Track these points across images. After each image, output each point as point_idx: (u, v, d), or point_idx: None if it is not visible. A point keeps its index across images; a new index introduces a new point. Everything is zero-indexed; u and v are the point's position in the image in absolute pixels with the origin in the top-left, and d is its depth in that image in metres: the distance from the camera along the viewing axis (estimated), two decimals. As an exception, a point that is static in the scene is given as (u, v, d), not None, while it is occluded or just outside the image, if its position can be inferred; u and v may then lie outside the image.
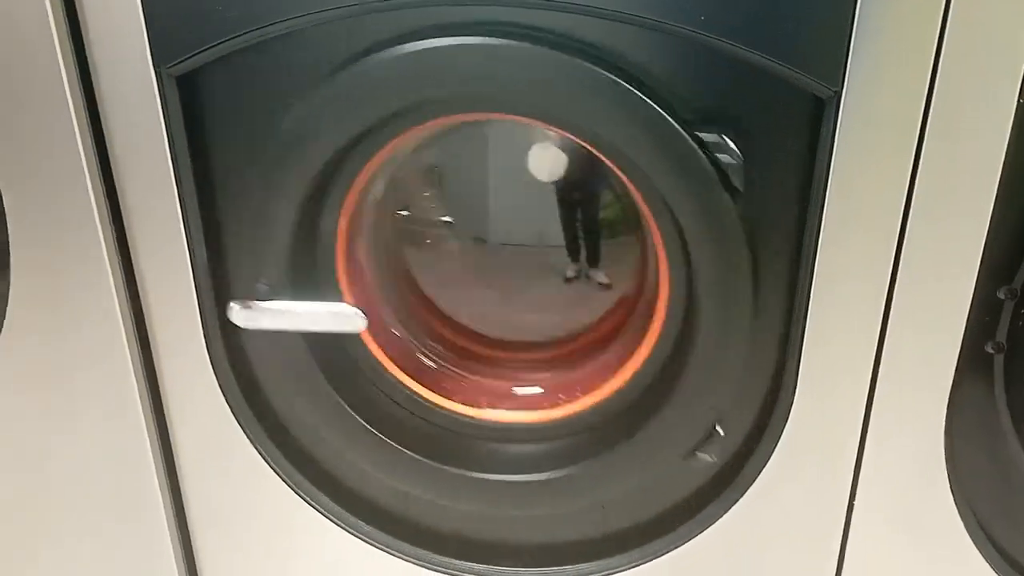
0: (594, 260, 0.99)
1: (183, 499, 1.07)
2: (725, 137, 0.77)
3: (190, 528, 1.10)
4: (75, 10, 0.81)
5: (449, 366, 1.03)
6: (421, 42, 0.77)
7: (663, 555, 1.00)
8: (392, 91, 0.80)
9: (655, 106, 0.76)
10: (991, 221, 0.78)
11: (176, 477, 1.06)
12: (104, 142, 0.87)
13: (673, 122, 0.76)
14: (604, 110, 0.78)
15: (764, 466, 0.93)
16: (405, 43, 0.78)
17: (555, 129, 0.85)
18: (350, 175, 0.88)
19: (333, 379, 0.96)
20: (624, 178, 0.85)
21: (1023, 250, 0.81)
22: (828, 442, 0.90)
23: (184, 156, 0.86)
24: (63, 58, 0.82)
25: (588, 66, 0.76)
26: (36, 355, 0.98)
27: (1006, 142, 0.75)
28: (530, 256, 1.00)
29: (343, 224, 0.92)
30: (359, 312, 0.91)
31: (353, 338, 0.97)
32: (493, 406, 1.01)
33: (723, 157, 0.77)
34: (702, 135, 0.77)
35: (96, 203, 0.88)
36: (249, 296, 0.90)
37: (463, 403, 1.00)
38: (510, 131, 0.90)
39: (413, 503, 1.04)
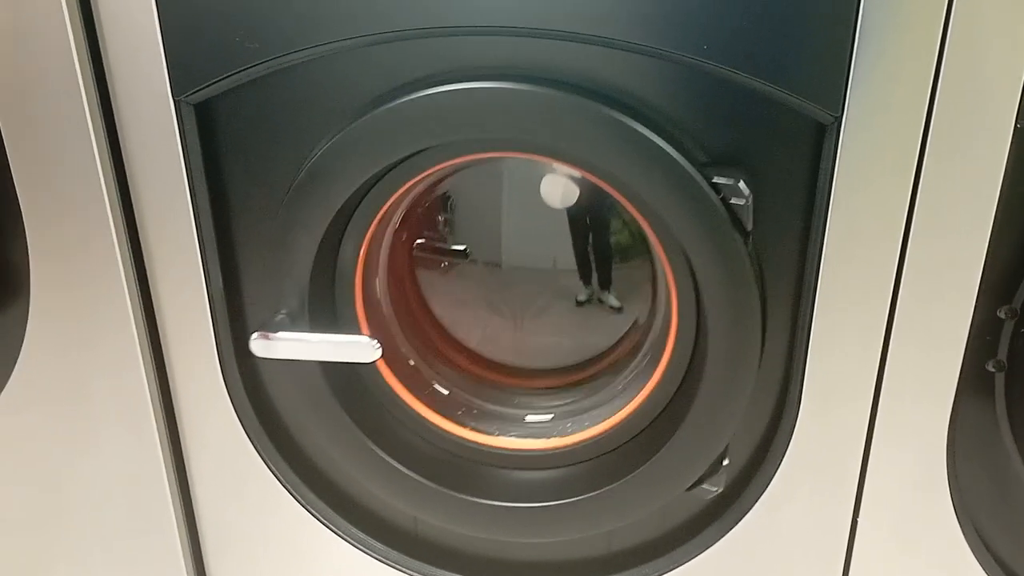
0: (607, 287, 1.00)
1: (196, 518, 1.08)
2: (736, 180, 0.79)
3: (202, 547, 1.10)
4: (96, 38, 0.83)
5: (462, 394, 1.04)
6: (446, 86, 0.79)
7: (668, 573, 1.01)
8: (419, 133, 0.82)
9: (670, 150, 0.78)
10: (990, 242, 0.79)
11: (190, 497, 1.07)
12: (123, 168, 0.89)
13: (686, 164, 0.78)
14: (620, 152, 0.79)
15: (768, 484, 0.93)
16: (430, 86, 0.79)
17: (572, 167, 0.87)
18: (372, 208, 0.90)
19: (347, 406, 0.97)
20: (635, 213, 0.87)
21: (1022, 270, 0.82)
22: (831, 461, 0.91)
23: (201, 183, 0.88)
24: (84, 85, 0.84)
25: (605, 109, 0.78)
26: (52, 378, 1.00)
27: (1004, 165, 0.76)
28: (543, 283, 1.02)
29: (362, 255, 0.93)
30: (375, 343, 0.92)
31: (368, 366, 0.98)
32: (504, 433, 1.02)
33: (734, 198, 0.79)
34: (714, 177, 0.79)
35: (115, 227, 0.90)
36: (267, 325, 0.92)
37: (474, 430, 1.02)
38: (524, 161, 0.91)
39: (424, 523, 1.05)
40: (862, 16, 0.72)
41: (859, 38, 0.73)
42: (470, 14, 0.77)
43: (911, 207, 0.79)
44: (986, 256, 0.80)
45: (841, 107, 0.75)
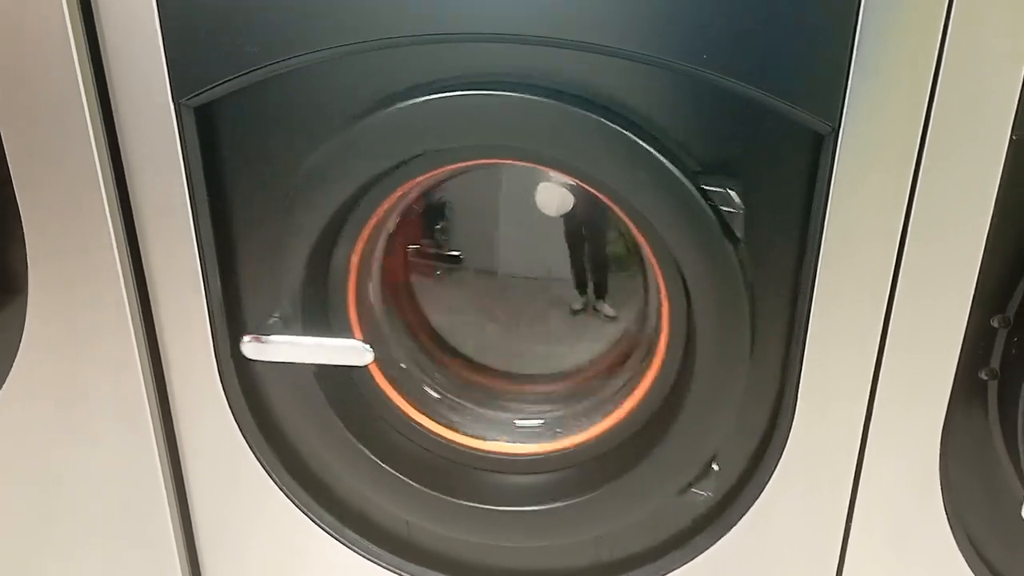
0: (598, 294, 1.01)
1: (191, 518, 1.08)
2: (728, 189, 0.79)
3: (197, 547, 1.11)
4: (96, 41, 0.83)
5: (453, 398, 1.05)
6: (442, 94, 0.79)
7: (662, 577, 1.02)
8: (413, 139, 0.82)
9: (661, 158, 0.79)
10: (984, 252, 0.80)
11: (185, 497, 1.07)
12: (123, 170, 0.89)
13: (677, 173, 0.79)
14: (612, 161, 0.80)
15: (763, 490, 0.94)
16: (427, 93, 0.80)
17: (564, 174, 0.87)
18: (365, 213, 0.90)
19: (340, 409, 0.98)
20: (627, 220, 0.87)
21: (1015, 280, 0.82)
22: (826, 466, 0.92)
23: (200, 186, 0.88)
24: (84, 87, 0.84)
25: (598, 119, 0.78)
26: (50, 378, 1.00)
27: (999, 176, 0.77)
28: (536, 290, 1.02)
29: (355, 259, 0.94)
30: (367, 347, 0.92)
31: (360, 370, 0.98)
32: (495, 438, 1.02)
33: (725, 207, 0.80)
34: (706, 186, 0.79)
35: (113, 229, 0.90)
36: (260, 328, 0.92)
37: (465, 435, 1.02)
38: (519, 168, 0.91)
39: (416, 526, 1.06)
40: (860, 27, 0.73)
41: (857, 49, 0.73)
42: (468, 21, 0.78)
43: (907, 217, 0.79)
44: (980, 266, 0.80)
45: (838, 117, 0.76)
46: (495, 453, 1.01)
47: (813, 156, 0.79)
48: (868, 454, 0.91)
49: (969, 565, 0.94)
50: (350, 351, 0.92)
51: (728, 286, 0.83)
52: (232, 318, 0.95)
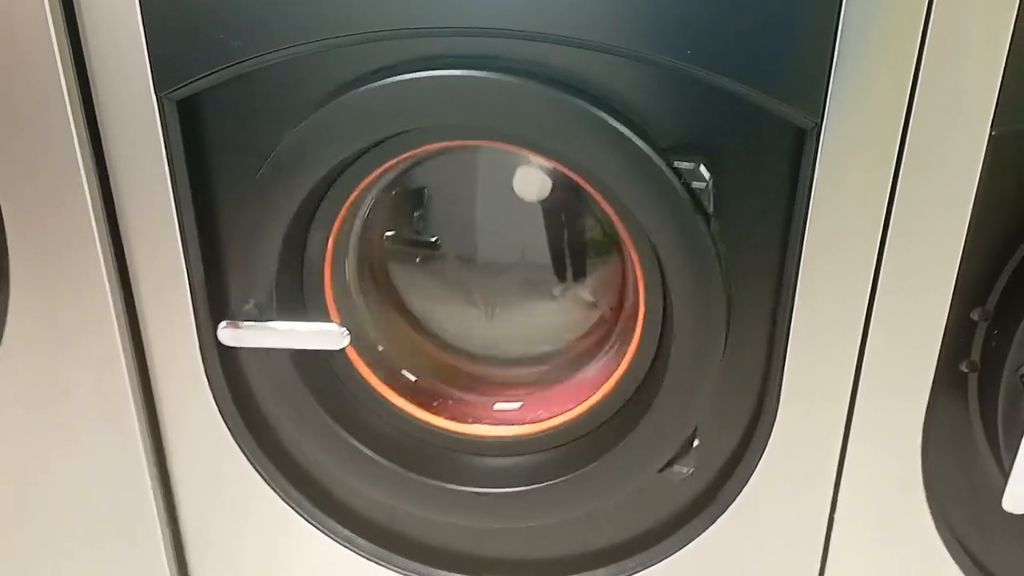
0: (576, 278, 1.01)
1: (177, 515, 1.08)
2: (697, 163, 0.80)
3: (184, 543, 1.10)
4: (78, 33, 0.82)
5: (432, 381, 1.05)
6: (410, 74, 0.79)
7: (646, 569, 1.02)
8: (380, 120, 0.82)
9: (632, 136, 0.79)
10: (965, 246, 0.80)
11: (171, 493, 1.07)
12: (105, 164, 0.88)
13: (644, 147, 0.79)
14: (582, 139, 0.80)
15: (747, 481, 0.94)
16: (395, 74, 0.80)
17: (539, 155, 0.88)
18: (339, 198, 0.90)
19: (319, 394, 0.98)
20: (601, 200, 0.88)
21: (995, 274, 0.83)
22: (809, 458, 0.92)
23: (183, 179, 0.87)
24: (65, 80, 0.83)
25: (567, 98, 0.78)
26: (33, 375, 0.99)
27: (979, 172, 0.77)
28: (513, 274, 1.02)
29: (330, 244, 0.94)
30: (343, 330, 0.92)
31: (338, 355, 0.98)
32: (476, 421, 1.02)
33: (695, 182, 0.80)
34: (675, 162, 0.80)
35: (95, 223, 0.90)
36: (235, 314, 0.92)
37: (446, 418, 1.02)
38: (496, 153, 0.92)
39: (404, 517, 1.06)
40: (842, 24, 0.73)
41: (839, 45, 0.74)
42: (454, 16, 0.77)
43: (888, 211, 0.80)
44: (961, 259, 0.81)
45: (821, 112, 0.76)
46: (474, 435, 1.01)
47: (796, 151, 0.80)
48: (851, 446, 0.91)
49: (950, 553, 0.95)
50: (326, 335, 0.92)
51: (700, 261, 0.83)
52: (215, 310, 0.94)
